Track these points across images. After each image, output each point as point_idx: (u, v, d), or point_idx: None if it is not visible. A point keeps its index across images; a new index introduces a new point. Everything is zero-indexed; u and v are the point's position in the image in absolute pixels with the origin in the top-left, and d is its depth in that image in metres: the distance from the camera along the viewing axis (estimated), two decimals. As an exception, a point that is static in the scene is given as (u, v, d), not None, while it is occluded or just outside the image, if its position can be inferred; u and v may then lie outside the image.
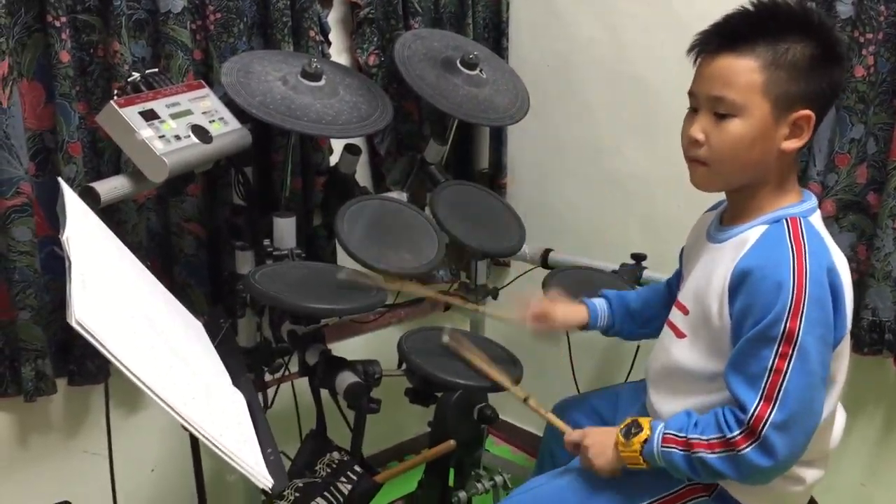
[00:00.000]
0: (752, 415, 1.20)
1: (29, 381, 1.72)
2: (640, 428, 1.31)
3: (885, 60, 1.70)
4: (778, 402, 1.19)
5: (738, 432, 1.21)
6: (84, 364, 1.81)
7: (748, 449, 1.21)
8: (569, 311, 1.62)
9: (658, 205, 2.19)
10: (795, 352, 1.19)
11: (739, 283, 1.24)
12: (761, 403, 1.20)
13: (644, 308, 1.63)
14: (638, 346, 2.00)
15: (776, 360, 1.19)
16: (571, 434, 1.42)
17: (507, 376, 1.56)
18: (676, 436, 1.27)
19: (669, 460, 1.28)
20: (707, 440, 1.24)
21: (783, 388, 1.19)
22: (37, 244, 1.69)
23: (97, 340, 0.88)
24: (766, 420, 1.19)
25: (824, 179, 1.79)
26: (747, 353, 1.23)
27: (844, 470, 1.96)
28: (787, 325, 1.18)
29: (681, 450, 1.27)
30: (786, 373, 1.19)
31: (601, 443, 1.36)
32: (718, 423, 1.24)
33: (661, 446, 1.28)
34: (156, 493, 2.07)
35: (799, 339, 1.19)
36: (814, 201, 1.33)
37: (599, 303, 1.63)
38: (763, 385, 1.20)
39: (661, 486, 1.37)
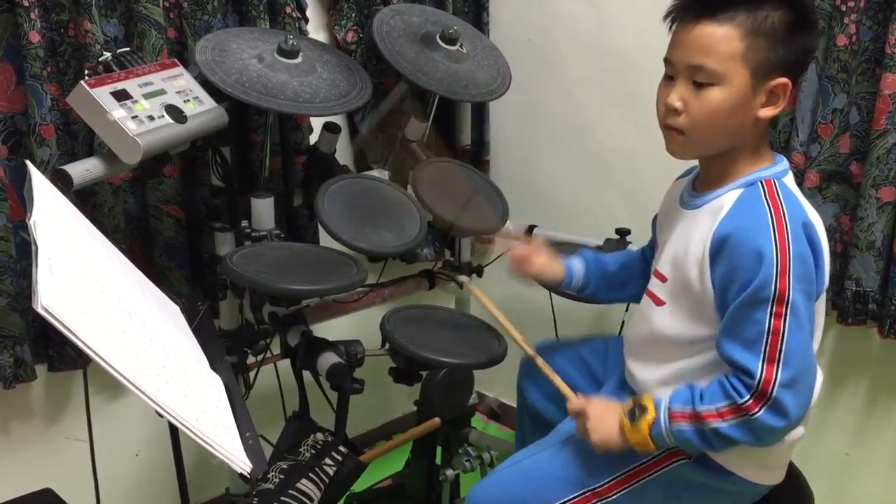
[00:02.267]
0: (760, 378, 1.20)
1: (8, 367, 1.70)
2: (644, 410, 1.30)
3: (867, 28, 1.68)
4: (782, 362, 1.20)
5: (748, 397, 1.21)
6: (64, 350, 1.79)
7: (761, 412, 1.21)
8: (547, 264, 1.60)
9: (641, 179, 2.18)
10: (788, 310, 1.20)
11: (719, 248, 1.25)
12: (766, 366, 1.20)
13: (621, 271, 1.63)
14: (623, 322, 2.00)
15: (772, 321, 1.20)
16: (575, 402, 1.40)
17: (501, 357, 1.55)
18: (683, 410, 1.27)
19: (681, 437, 1.27)
20: (717, 409, 1.24)
21: (784, 347, 1.20)
22: (11, 229, 1.67)
23: (64, 326, 0.86)
24: (775, 381, 1.20)
25: (807, 150, 1.78)
26: (740, 318, 1.22)
27: (829, 439, 1.96)
28: (777, 284, 1.19)
29: (691, 423, 1.26)
30: (783, 332, 1.20)
31: (602, 419, 1.35)
32: (725, 390, 1.24)
33: (671, 424, 1.27)
34: (141, 477, 2.06)
35: (790, 296, 1.19)
36: (786, 164, 1.34)
37: (576, 263, 1.62)
38: (763, 348, 1.20)
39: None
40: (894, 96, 1.64)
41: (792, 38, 1.24)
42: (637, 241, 2.00)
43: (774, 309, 1.20)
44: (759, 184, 1.28)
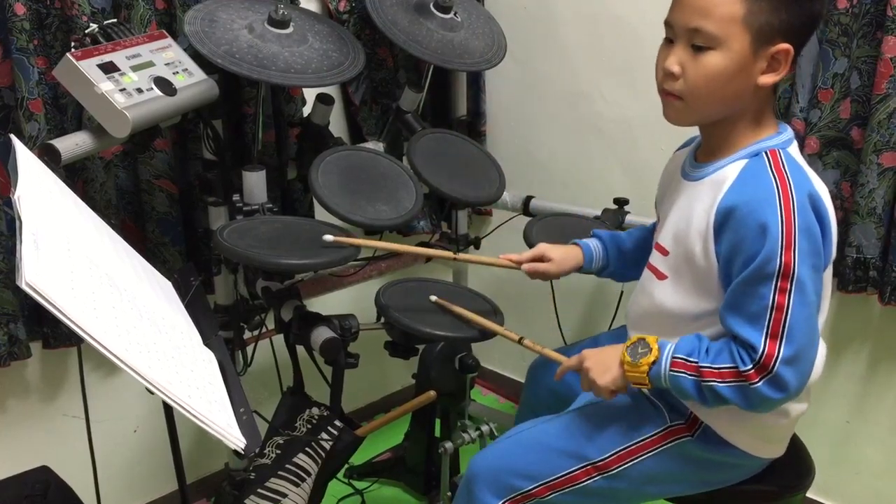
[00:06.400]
0: (763, 353, 1.19)
1: (2, 345, 1.69)
2: (647, 348, 1.28)
3: (868, -9, 1.65)
4: (785, 338, 1.18)
5: (750, 367, 1.20)
6: (58, 327, 1.78)
7: (760, 383, 1.20)
8: (563, 253, 1.58)
9: (639, 148, 2.16)
10: (794, 285, 1.18)
11: (724, 220, 1.22)
12: (769, 341, 1.19)
13: (636, 248, 1.60)
14: (621, 293, 1.99)
15: (776, 296, 1.18)
16: (570, 361, 1.39)
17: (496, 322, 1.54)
18: (687, 361, 1.25)
19: (677, 384, 1.26)
20: (718, 369, 1.23)
21: (787, 323, 1.18)
22: (1, 205, 1.65)
23: (50, 302, 0.84)
24: (777, 356, 1.19)
25: (808, 116, 1.75)
26: (744, 293, 1.21)
27: (830, 407, 1.96)
28: (783, 259, 1.17)
29: (691, 375, 1.25)
30: (787, 308, 1.18)
31: (602, 361, 1.33)
32: (732, 354, 1.23)
33: (670, 370, 1.26)
34: (138, 452, 2.06)
35: (795, 271, 1.17)
36: (790, 133, 1.31)
37: (593, 243, 1.60)
38: (767, 323, 1.19)
39: (645, 428, 1.37)
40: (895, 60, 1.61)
41: (797, 2, 1.20)
42: (635, 211, 1.98)
43: (779, 284, 1.18)
44: (764, 154, 1.25)
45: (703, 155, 1.35)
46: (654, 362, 1.27)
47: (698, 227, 1.27)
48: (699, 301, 1.31)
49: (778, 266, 1.17)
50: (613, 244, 1.60)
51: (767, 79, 1.24)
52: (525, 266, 1.56)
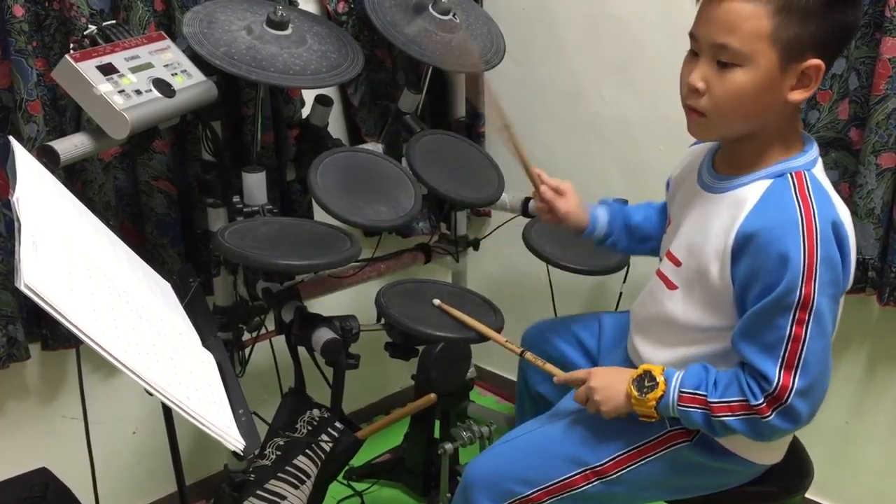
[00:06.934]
0: (777, 385, 1.18)
1: (1, 346, 1.69)
2: (654, 382, 1.28)
3: (866, -8, 1.65)
4: (800, 370, 1.17)
5: (762, 401, 1.19)
6: (57, 328, 1.78)
7: (773, 416, 1.19)
8: (573, 210, 1.55)
9: (638, 148, 2.16)
10: (812, 316, 1.16)
11: (744, 245, 1.20)
12: (783, 372, 1.18)
13: (644, 223, 1.58)
14: (620, 294, 1.99)
15: (794, 328, 1.17)
16: (575, 373, 1.39)
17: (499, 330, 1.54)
18: (695, 395, 1.25)
19: (686, 417, 1.27)
20: (728, 403, 1.22)
21: (803, 354, 1.17)
22: (0, 207, 1.65)
23: (49, 304, 0.84)
24: (791, 388, 1.18)
25: (806, 117, 1.75)
26: (761, 322, 1.19)
27: (828, 408, 1.93)
28: (803, 290, 1.15)
29: (700, 409, 1.25)
30: (804, 339, 1.17)
31: (610, 387, 1.33)
32: (741, 387, 1.22)
33: (679, 405, 1.26)
34: (138, 454, 2.05)
35: (814, 303, 1.15)
36: (815, 151, 1.27)
37: (601, 212, 1.57)
38: (782, 354, 1.17)
39: (644, 432, 1.37)
40: (894, 61, 1.61)
41: (829, 13, 1.15)
42: (634, 212, 1.98)
43: (797, 315, 1.16)
44: (789, 176, 1.21)
45: (724, 166, 1.31)
46: (661, 397, 1.27)
47: (715, 247, 1.24)
48: (709, 317, 1.29)
49: (798, 297, 1.15)
50: (620, 215, 1.58)
51: (797, 95, 1.20)
52: (541, 190, 1.53)
